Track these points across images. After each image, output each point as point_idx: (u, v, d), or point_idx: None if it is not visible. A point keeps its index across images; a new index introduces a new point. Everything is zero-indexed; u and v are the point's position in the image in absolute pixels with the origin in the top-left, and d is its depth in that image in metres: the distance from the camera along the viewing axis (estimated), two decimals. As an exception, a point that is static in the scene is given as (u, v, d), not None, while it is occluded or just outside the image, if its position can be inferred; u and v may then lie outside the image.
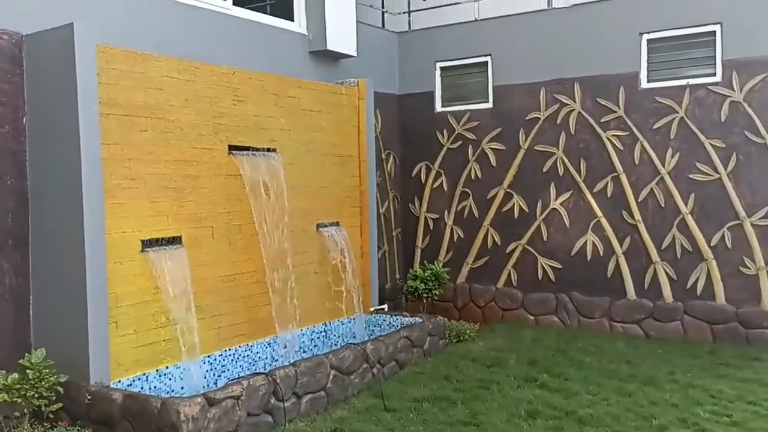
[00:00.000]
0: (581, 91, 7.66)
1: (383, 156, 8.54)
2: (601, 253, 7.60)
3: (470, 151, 8.39)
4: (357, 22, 7.77)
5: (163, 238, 5.14)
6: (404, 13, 9.20)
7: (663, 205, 7.24)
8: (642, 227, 7.36)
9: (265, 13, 7.25)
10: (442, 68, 8.66)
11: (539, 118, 7.91)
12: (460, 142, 8.47)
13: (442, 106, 8.65)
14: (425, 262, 8.57)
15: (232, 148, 5.77)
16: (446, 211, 8.61)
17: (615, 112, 7.46)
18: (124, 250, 4.85)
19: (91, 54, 4.53)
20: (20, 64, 4.66)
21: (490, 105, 8.27)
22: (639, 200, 7.37)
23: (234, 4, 6.60)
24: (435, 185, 8.69)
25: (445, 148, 8.59)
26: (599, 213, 7.60)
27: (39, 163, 4.70)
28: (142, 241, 4.98)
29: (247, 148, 5.91)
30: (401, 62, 8.89)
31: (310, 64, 7.41)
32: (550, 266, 7.91)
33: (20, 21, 4.66)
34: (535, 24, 7.97)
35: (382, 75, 8.49)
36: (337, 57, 7.64)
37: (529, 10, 8.06)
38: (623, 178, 7.45)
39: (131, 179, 4.93)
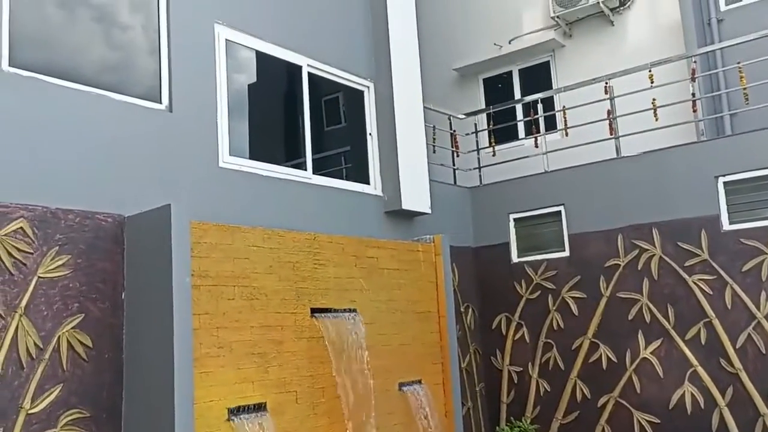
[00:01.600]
0: (660, 235, 7.56)
1: (462, 309, 8.50)
2: (702, 406, 7.11)
3: (550, 300, 8.26)
4: (430, 180, 8.08)
5: (248, 405, 5.16)
6: (475, 169, 9.52)
7: (764, 351, 6.82)
8: (744, 376, 6.90)
9: (342, 178, 7.66)
10: (515, 219, 8.76)
11: (619, 265, 7.79)
12: (539, 292, 8.37)
13: (519, 256, 8.67)
14: (512, 418, 8.21)
15: (314, 310, 5.90)
16: (530, 364, 8.35)
17: (699, 255, 7.28)
18: (212, 420, 4.88)
19: (186, 230, 4.85)
20: (121, 244, 5.02)
21: (566, 253, 8.24)
22: (737, 347, 6.97)
23: (313, 172, 7.02)
24: (516, 337, 8.51)
25: (524, 299, 8.49)
26: (694, 362, 7.21)
27: (134, 336, 4.91)
28: (229, 410, 5.01)
29: (328, 310, 6.02)
30: (475, 216, 9.07)
31: (386, 223, 7.66)
32: (647, 421, 7.42)
33: (122, 204, 5.08)
34: (606, 172, 8.07)
35: (456, 229, 8.66)
36: (412, 215, 7.88)
37: (598, 160, 8.20)
38: (716, 323, 7.11)
39: (219, 347, 5.06)
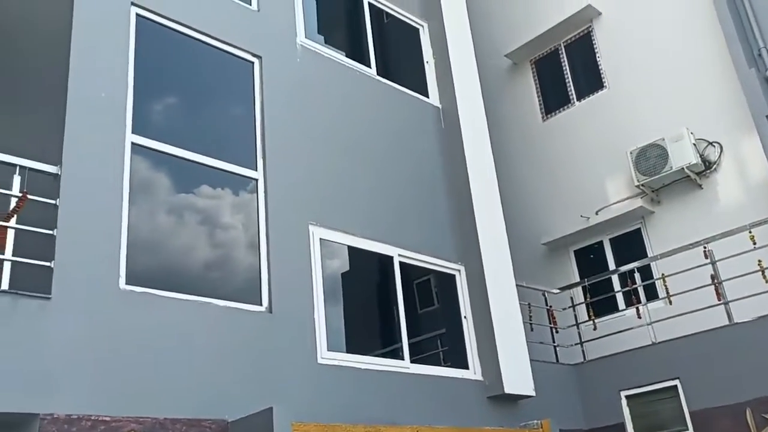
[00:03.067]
0: (795, 408, 6.86)
1: (581, 501, 7.78)
2: None
3: (680, 488, 7.46)
4: (530, 360, 7.80)
5: None
6: (576, 344, 9.16)
7: None
8: None
9: (440, 363, 7.52)
10: (627, 397, 8.21)
11: (752, 443, 7.04)
12: (665, 479, 7.60)
13: (637, 439, 8.01)
14: None
15: None
16: None
17: None
18: None
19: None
20: (224, 449, 5.02)
21: (690, 432, 7.55)
22: None
23: (410, 357, 6.93)
24: None
25: (649, 487, 7.71)
26: None
27: None
28: None
29: None
30: (582, 395, 8.57)
31: (490, 409, 7.33)
32: None
33: (225, 408, 5.13)
34: (720, 340, 7.57)
35: (564, 411, 8.16)
36: (515, 399, 7.54)
37: (711, 328, 7.73)
38: None
39: None
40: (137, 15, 6.01)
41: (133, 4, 5.98)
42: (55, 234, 4.77)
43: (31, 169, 4.87)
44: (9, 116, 6.56)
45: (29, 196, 4.71)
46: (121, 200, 5.26)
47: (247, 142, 6.52)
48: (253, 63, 6.82)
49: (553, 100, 11.51)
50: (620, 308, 9.71)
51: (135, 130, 5.64)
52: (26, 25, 6.65)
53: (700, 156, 9.37)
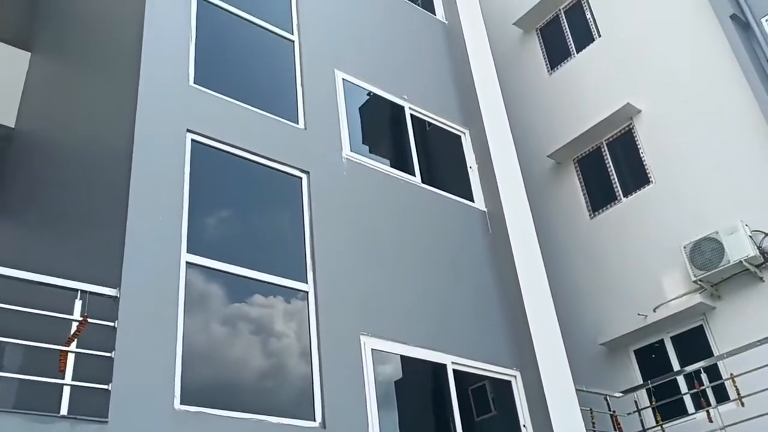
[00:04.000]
0: None
1: None
2: None
3: None
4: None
5: None
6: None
7: None
8: None
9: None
10: None
11: None
12: None
13: None
14: None
15: None
16: None
17: None
18: None
19: None
20: None
21: None
22: None
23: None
24: None
25: None
26: None
27: None
28: None
29: None
30: (656, 508, 8.01)
31: None
32: None
33: None
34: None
35: None
36: None
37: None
38: None
39: None
40: (192, 141, 6.34)
41: (189, 131, 6.33)
42: (113, 356, 4.86)
43: (91, 293, 5.03)
44: (71, 241, 6.88)
45: (89, 320, 4.85)
46: (176, 320, 5.37)
47: (297, 255, 6.63)
48: (301, 178, 7.06)
49: (599, 197, 11.47)
50: (689, 411, 9.21)
51: (189, 249, 5.82)
52: (92, 151, 7.09)
53: (758, 248, 9.11)
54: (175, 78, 6.57)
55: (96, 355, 4.87)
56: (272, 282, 6.26)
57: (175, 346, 5.25)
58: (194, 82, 6.70)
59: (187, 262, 5.74)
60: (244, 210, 6.73)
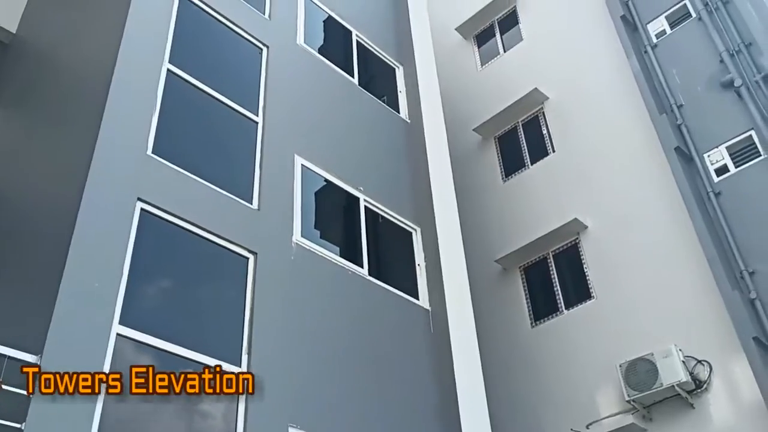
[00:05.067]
0: None
1: None
2: None
3: None
4: None
5: None
6: None
7: None
8: None
9: None
10: None
11: None
12: None
13: None
14: None
15: None
16: None
17: None
18: None
19: None
20: None
21: None
22: None
23: None
24: None
25: None
26: None
27: None
28: None
29: None
30: None
31: None
32: None
33: None
34: None
35: None
36: None
37: None
38: None
39: None
40: (142, 209, 6.25)
41: (140, 199, 6.24)
42: (23, 429, 4.57)
43: (10, 357, 4.77)
44: (2, 290, 6.58)
45: (4, 387, 4.57)
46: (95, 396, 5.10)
47: (234, 338, 6.46)
48: (248, 259, 6.97)
49: (542, 307, 11.61)
50: None
51: (122, 321, 5.62)
52: (41, 206, 6.89)
53: (690, 374, 9.26)
54: (134, 145, 6.53)
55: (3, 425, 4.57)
56: (205, 363, 6.05)
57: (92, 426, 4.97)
58: (152, 152, 6.66)
59: (117, 334, 5.52)
60: (186, 285, 6.58)
